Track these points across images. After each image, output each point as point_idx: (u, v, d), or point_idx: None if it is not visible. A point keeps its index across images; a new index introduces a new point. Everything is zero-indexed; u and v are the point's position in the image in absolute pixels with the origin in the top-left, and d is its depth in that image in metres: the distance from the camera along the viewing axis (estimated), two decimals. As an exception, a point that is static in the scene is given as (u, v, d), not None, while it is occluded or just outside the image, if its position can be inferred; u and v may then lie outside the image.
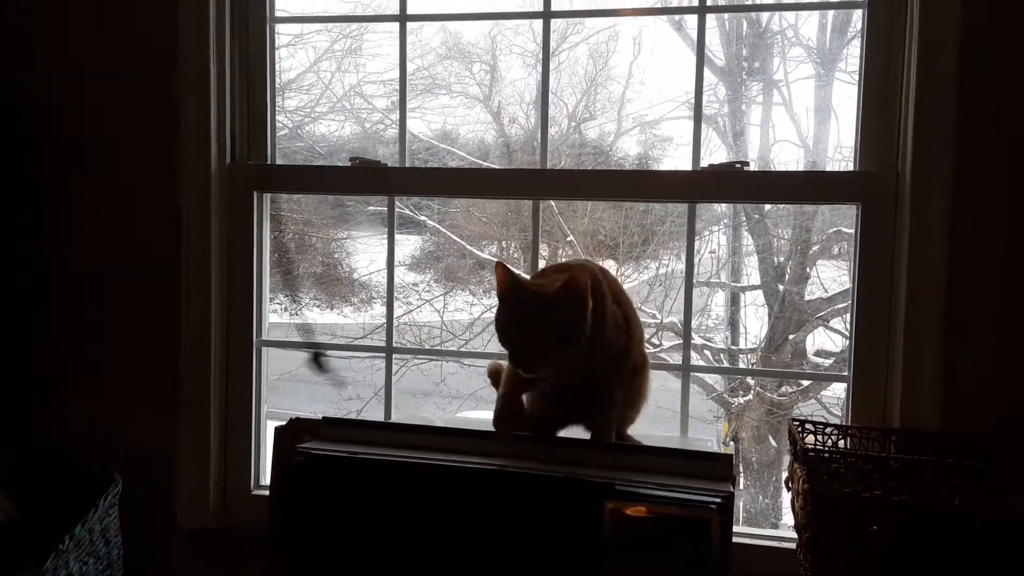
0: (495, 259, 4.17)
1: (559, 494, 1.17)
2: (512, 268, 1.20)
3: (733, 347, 4.32)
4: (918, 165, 1.43)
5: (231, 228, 1.72)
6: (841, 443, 1.46)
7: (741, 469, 4.13)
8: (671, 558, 1.11)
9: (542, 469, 1.19)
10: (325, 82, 4.31)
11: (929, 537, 1.21)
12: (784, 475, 1.42)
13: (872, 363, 1.51)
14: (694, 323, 4.51)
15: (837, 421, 1.52)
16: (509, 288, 1.20)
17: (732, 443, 4.23)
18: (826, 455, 1.28)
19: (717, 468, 1.22)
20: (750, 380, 4.12)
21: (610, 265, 4.76)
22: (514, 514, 1.18)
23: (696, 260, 5.21)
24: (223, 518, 1.71)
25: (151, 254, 1.73)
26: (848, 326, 1.56)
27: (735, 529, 1.58)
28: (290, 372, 4.65)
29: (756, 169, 1.57)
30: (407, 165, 1.76)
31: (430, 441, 1.28)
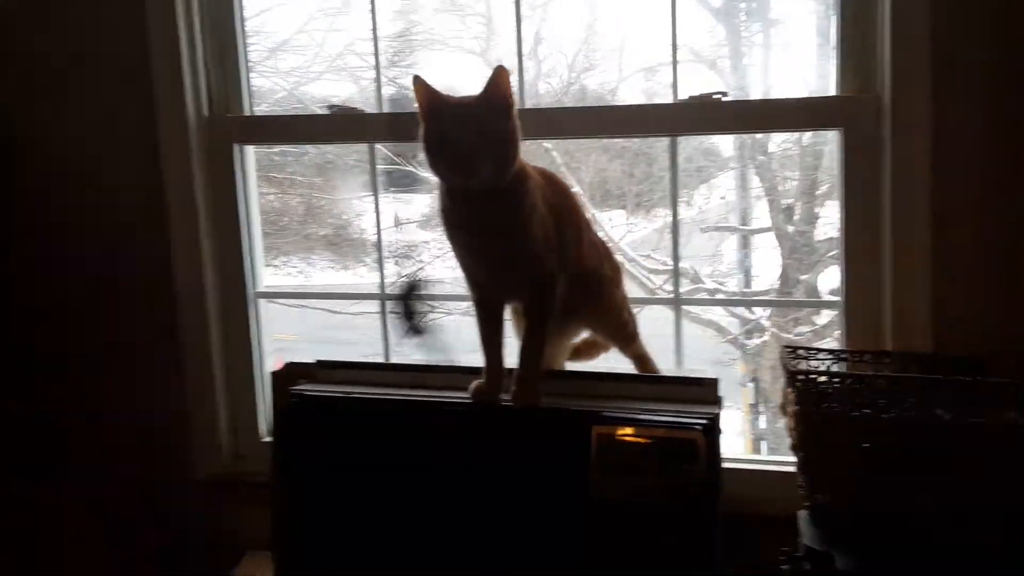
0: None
1: (549, 425, 1.20)
2: (429, 83, 1.18)
3: (746, 290, 4.31)
4: (897, 86, 1.42)
5: (214, 181, 1.74)
6: (835, 367, 1.47)
7: (762, 408, 4.14)
8: (658, 480, 1.13)
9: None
10: (318, 42, 4.26)
11: (919, 453, 1.23)
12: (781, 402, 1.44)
13: (863, 288, 1.51)
14: (707, 269, 4.49)
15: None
16: (431, 104, 1.19)
17: (751, 383, 4.24)
18: (815, 375, 1.29)
19: (704, 392, 1.24)
20: (765, 322, 4.12)
21: (618, 214, 4.74)
22: (507, 447, 1.21)
23: (706, 206, 5.17)
24: (236, 466, 1.76)
25: (139, 215, 1.75)
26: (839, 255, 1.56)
27: (748, 456, 1.61)
28: (307, 332, 4.70)
29: (734, 98, 1.55)
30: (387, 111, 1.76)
31: (424, 380, 1.31)
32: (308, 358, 1.43)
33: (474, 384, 1.25)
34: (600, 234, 1.48)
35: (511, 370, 1.26)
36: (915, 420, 1.23)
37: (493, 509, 1.20)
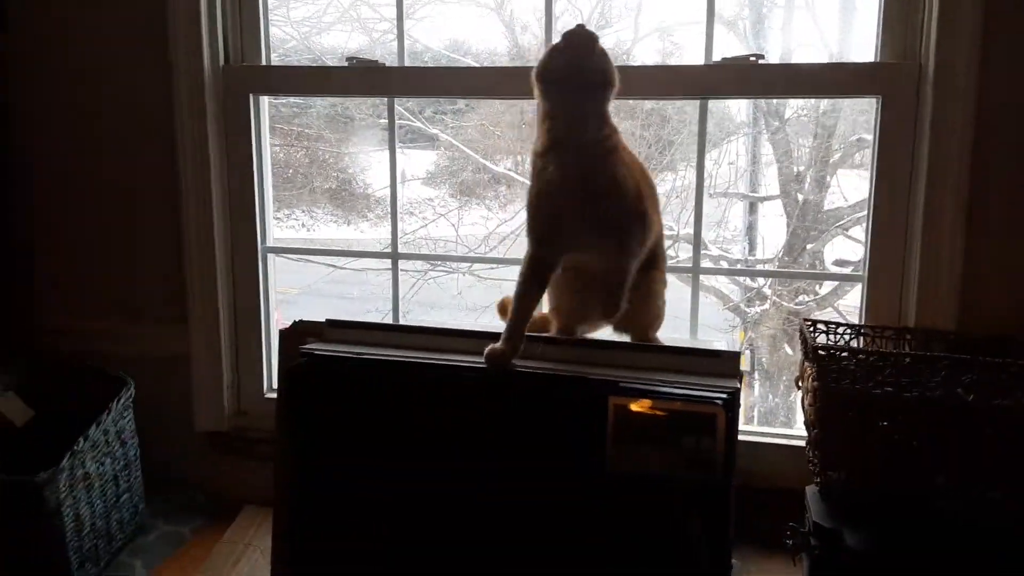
0: (508, 172, 4.12)
1: (565, 393, 1.17)
2: None
3: (751, 258, 4.27)
4: (942, 57, 1.37)
5: (228, 132, 1.69)
6: (854, 343, 1.44)
7: (756, 376, 4.15)
8: (675, 453, 1.11)
9: (548, 368, 1.18)
10: (331, -9, 4.15)
11: (941, 433, 1.20)
12: (796, 375, 1.41)
13: (889, 263, 1.47)
14: (712, 235, 4.45)
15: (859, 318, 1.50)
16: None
17: (748, 351, 4.24)
18: (836, 352, 1.26)
19: (723, 365, 1.21)
20: (767, 290, 4.09)
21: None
22: (520, 414, 1.18)
23: (715, 171, 5.12)
24: (238, 420, 1.74)
25: (151, 163, 1.71)
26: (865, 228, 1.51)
27: (747, 428, 1.60)
28: (309, 285, 4.68)
29: (772, 62, 1.49)
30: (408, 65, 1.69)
31: (436, 343, 1.27)
32: (309, 312, 1.40)
33: (490, 348, 1.20)
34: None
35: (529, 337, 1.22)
36: (939, 400, 1.20)
37: (504, 478, 1.17)
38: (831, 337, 1.44)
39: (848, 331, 1.44)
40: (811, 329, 1.44)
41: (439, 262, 3.71)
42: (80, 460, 1.42)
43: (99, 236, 1.77)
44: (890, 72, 1.43)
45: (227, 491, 1.73)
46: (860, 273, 1.53)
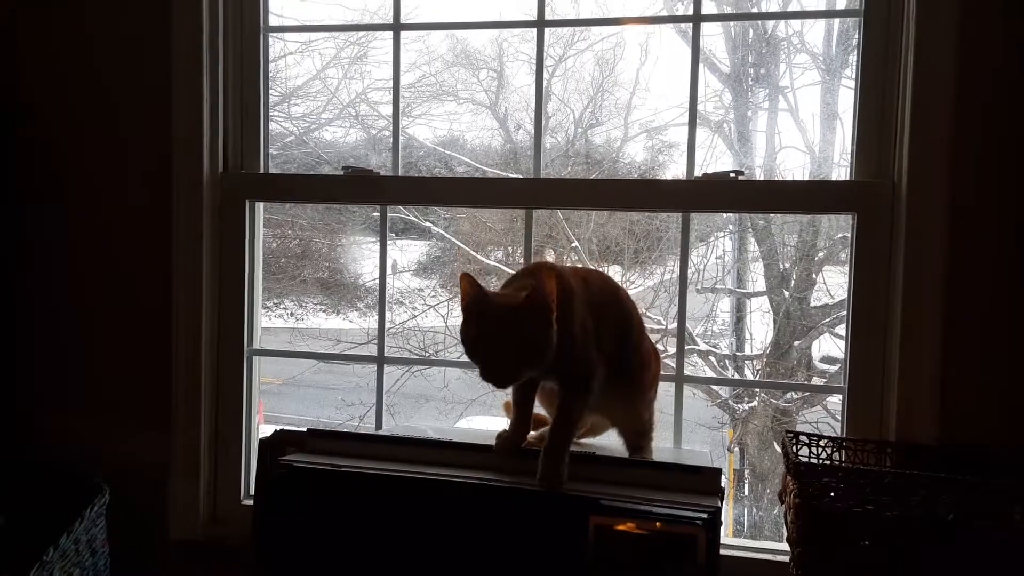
0: (498, 264, 4.17)
1: (544, 509, 1.16)
2: (477, 280, 1.16)
3: (738, 353, 4.29)
4: (914, 176, 1.42)
5: (223, 236, 1.72)
6: (836, 455, 1.44)
7: (746, 475, 4.10)
8: (656, 574, 1.09)
9: (527, 484, 1.17)
10: (332, 89, 4.31)
11: (922, 553, 1.19)
12: (779, 489, 1.40)
13: (868, 374, 1.49)
14: (700, 329, 4.48)
15: (840, 428, 1.50)
16: (473, 302, 1.16)
17: (736, 448, 4.20)
18: (818, 468, 1.26)
19: (704, 482, 1.20)
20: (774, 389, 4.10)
21: (615, 271, 4.74)
22: (499, 529, 1.16)
23: (702, 265, 5.20)
24: (214, 528, 1.70)
25: (143, 264, 1.73)
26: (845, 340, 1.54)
27: (731, 542, 1.57)
28: (294, 376, 4.65)
29: (752, 178, 1.55)
30: (402, 174, 1.75)
31: (418, 454, 1.26)
32: (292, 403, 1.39)
33: (498, 433, 1.26)
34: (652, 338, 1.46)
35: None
36: (919, 520, 1.19)
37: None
38: (813, 450, 1.44)
39: (830, 444, 1.44)
40: (793, 442, 1.44)
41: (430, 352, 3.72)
42: (48, 571, 1.38)
43: (84, 334, 1.77)
44: (864, 190, 1.48)
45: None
46: (841, 385, 1.54)
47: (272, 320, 5.00)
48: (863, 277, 1.49)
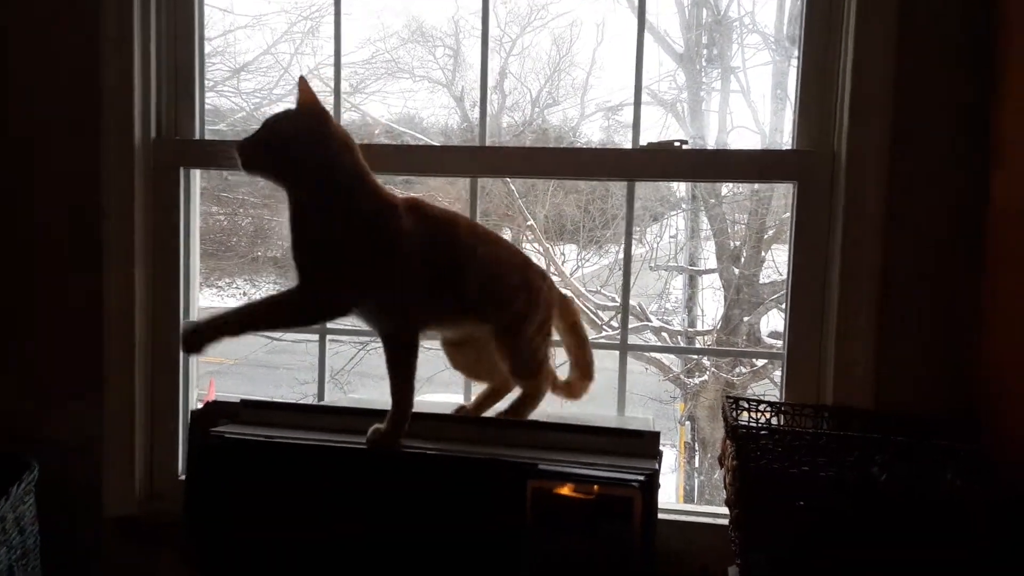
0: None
1: (483, 475, 1.15)
2: None
3: (690, 329, 4.35)
4: (854, 145, 1.44)
5: (156, 205, 1.67)
6: (775, 420, 1.46)
7: (697, 448, 4.17)
8: (594, 537, 1.09)
9: (465, 451, 1.17)
10: (284, 64, 4.22)
11: (856, 513, 1.21)
12: (719, 453, 1.42)
13: (807, 342, 1.51)
14: (653, 306, 4.53)
15: (780, 394, 1.53)
16: None
17: (688, 422, 4.27)
18: (756, 431, 1.28)
19: (644, 445, 1.21)
20: (706, 361, 4.16)
21: (571, 249, 4.75)
22: (437, 497, 1.16)
23: (656, 244, 5.23)
24: (151, 504, 1.66)
25: (73, 232, 1.67)
26: (785, 307, 1.56)
27: (677, 507, 1.59)
28: (246, 356, 4.56)
29: (694, 147, 1.55)
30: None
31: (354, 423, 1.25)
32: (243, 383, 1.36)
33: (372, 428, 1.22)
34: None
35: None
36: (853, 480, 1.21)
37: (420, 563, 1.14)
38: (752, 415, 1.46)
39: (768, 409, 1.46)
40: (733, 406, 1.45)
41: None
42: (-27, 549, 1.33)
43: (10, 307, 1.71)
44: (804, 159, 1.50)
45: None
46: (780, 351, 1.56)
47: (225, 300, 4.89)
48: (803, 245, 1.51)
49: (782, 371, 1.55)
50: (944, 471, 1.23)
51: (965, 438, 1.33)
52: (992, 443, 1.31)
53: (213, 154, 1.67)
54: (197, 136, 1.70)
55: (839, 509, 1.21)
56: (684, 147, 1.56)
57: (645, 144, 1.58)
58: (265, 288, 4.69)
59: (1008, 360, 1.32)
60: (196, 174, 1.72)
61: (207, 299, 4.70)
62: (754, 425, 1.43)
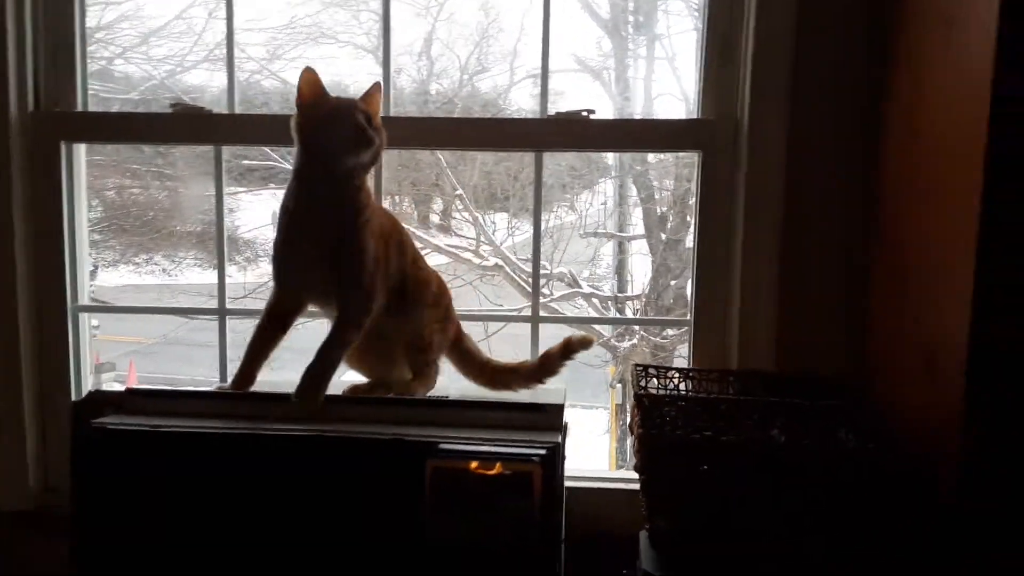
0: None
1: (381, 456, 1.13)
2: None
3: (620, 295, 4.40)
4: (755, 114, 1.45)
5: (35, 182, 1.58)
6: (683, 386, 1.48)
7: (627, 408, 4.25)
8: (495, 514, 1.09)
9: (364, 432, 1.14)
10: (197, 31, 4.03)
11: (757, 475, 1.24)
12: (630, 421, 1.43)
13: (712, 308, 1.53)
14: (584, 273, 4.56)
15: (688, 359, 1.55)
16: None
17: (619, 385, 4.35)
18: (660, 398, 1.29)
19: (547, 419, 1.21)
20: (635, 326, 4.22)
21: (502, 217, 4.73)
22: (334, 480, 1.13)
23: (585, 211, 5.23)
24: (46, 498, 1.60)
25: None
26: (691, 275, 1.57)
27: (589, 473, 1.60)
28: (166, 335, 4.42)
29: (601, 117, 1.54)
30: (238, 112, 1.63)
31: (248, 408, 1.21)
32: (162, 363, 1.32)
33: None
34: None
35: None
36: (753, 443, 1.24)
37: (317, 549, 1.12)
38: (661, 381, 1.48)
39: (677, 375, 1.48)
40: (642, 375, 1.47)
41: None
42: None
43: None
44: (707, 128, 1.51)
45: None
46: (687, 318, 1.58)
47: (143, 277, 4.72)
48: (707, 213, 1.52)
49: (690, 337, 1.56)
50: (838, 429, 1.27)
51: (859, 398, 1.38)
52: (883, 402, 1.36)
53: (99, 127, 1.60)
54: (80, 108, 1.60)
55: (742, 471, 1.24)
56: (591, 117, 1.54)
57: (553, 114, 1.56)
58: (186, 264, 4.53)
59: (890, 319, 1.36)
60: (80, 150, 1.63)
61: (125, 276, 4.52)
62: (658, 393, 1.45)
